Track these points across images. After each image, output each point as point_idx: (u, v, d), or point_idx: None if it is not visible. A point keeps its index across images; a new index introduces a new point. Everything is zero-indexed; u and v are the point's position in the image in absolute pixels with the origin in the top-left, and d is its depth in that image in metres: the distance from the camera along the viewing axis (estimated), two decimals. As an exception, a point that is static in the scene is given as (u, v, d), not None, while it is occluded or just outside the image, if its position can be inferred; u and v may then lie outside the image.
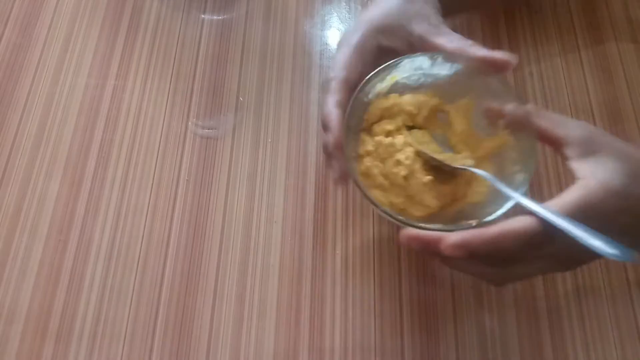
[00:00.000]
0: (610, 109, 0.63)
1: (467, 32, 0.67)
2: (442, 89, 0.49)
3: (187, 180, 0.58)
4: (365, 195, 0.43)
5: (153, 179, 0.58)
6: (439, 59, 0.47)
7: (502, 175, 0.44)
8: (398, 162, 0.46)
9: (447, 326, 0.52)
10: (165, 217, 0.56)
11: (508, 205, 0.41)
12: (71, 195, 0.57)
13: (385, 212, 0.42)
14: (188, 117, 0.61)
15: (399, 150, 0.47)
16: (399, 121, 0.49)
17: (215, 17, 0.67)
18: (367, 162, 0.47)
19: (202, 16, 0.67)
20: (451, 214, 0.46)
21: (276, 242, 0.55)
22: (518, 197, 0.41)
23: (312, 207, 0.57)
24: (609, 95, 0.63)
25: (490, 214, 0.42)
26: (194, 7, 0.67)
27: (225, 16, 0.67)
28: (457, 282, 0.54)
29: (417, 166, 0.46)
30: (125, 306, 0.52)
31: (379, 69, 0.46)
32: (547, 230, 0.38)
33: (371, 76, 0.46)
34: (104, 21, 0.66)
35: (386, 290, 0.53)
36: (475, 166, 0.46)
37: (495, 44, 0.66)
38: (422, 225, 0.42)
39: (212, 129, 0.61)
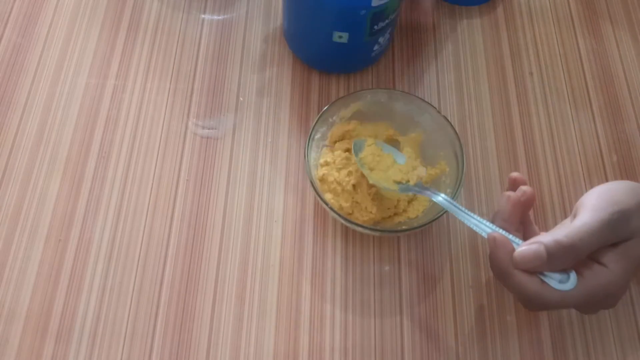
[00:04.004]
0: (610, 109, 0.63)
1: (467, 33, 0.67)
2: (396, 122, 0.58)
3: (187, 180, 0.58)
4: (319, 196, 0.52)
5: (153, 179, 0.58)
6: (395, 95, 0.57)
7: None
8: (350, 173, 0.55)
9: (446, 326, 0.52)
10: (165, 217, 0.56)
11: (440, 214, 0.51)
12: (71, 195, 0.57)
13: (333, 211, 0.51)
14: (188, 117, 0.61)
15: (352, 164, 0.55)
16: (366, 139, 0.57)
17: (215, 17, 0.67)
18: (325, 170, 0.56)
19: (202, 16, 0.67)
20: (391, 224, 0.55)
21: (276, 242, 0.55)
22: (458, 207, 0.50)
23: (312, 207, 0.57)
24: (609, 95, 0.64)
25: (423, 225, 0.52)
26: (194, 7, 0.67)
27: (225, 16, 0.67)
28: (457, 281, 0.54)
29: (365, 179, 0.55)
30: (125, 306, 0.52)
31: (344, 96, 0.56)
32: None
33: (337, 101, 0.56)
34: (104, 21, 0.66)
35: (386, 290, 0.53)
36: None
37: (495, 45, 0.66)
38: (366, 226, 0.53)
39: (212, 129, 0.61)
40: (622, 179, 0.59)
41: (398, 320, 0.52)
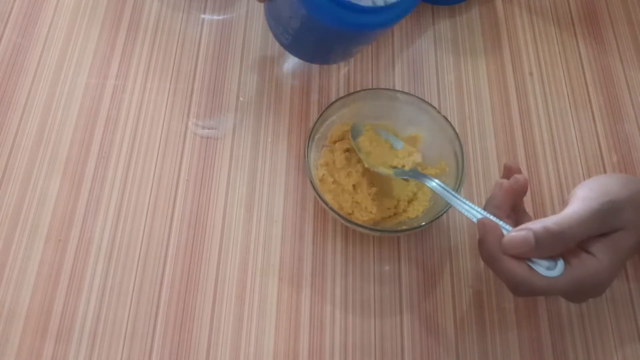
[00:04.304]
0: (610, 109, 0.63)
1: (467, 33, 0.67)
2: (396, 122, 0.58)
3: (187, 180, 0.58)
4: (319, 196, 0.52)
5: (153, 179, 0.58)
6: (395, 95, 0.57)
7: (438, 194, 0.53)
8: (350, 174, 0.55)
9: (446, 326, 0.52)
10: (165, 217, 0.56)
11: (440, 214, 0.51)
12: (71, 195, 0.57)
13: (333, 211, 0.51)
14: (188, 117, 0.61)
15: (352, 164, 0.56)
16: (364, 124, 0.57)
17: (215, 17, 0.67)
18: (325, 170, 0.56)
19: (202, 16, 0.67)
20: (391, 224, 0.55)
21: (276, 242, 0.55)
22: (456, 199, 0.50)
23: (312, 207, 0.57)
24: (609, 95, 0.64)
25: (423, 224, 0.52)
26: (194, 7, 0.67)
27: (225, 16, 0.67)
28: (457, 281, 0.54)
29: (365, 179, 0.55)
30: (125, 306, 0.52)
31: (344, 96, 0.56)
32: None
33: (337, 101, 0.56)
34: (104, 21, 0.66)
35: (386, 290, 0.53)
36: (418, 187, 0.56)
37: (495, 45, 0.66)
38: (366, 226, 0.53)
39: (212, 129, 0.61)
40: (622, 178, 0.59)
41: (398, 320, 0.52)
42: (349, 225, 0.53)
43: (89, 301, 0.52)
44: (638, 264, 0.55)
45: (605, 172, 0.59)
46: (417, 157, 0.55)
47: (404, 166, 0.54)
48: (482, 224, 0.45)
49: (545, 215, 0.57)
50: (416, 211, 0.55)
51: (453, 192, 0.50)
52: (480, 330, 0.52)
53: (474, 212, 0.48)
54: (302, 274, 0.54)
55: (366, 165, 0.55)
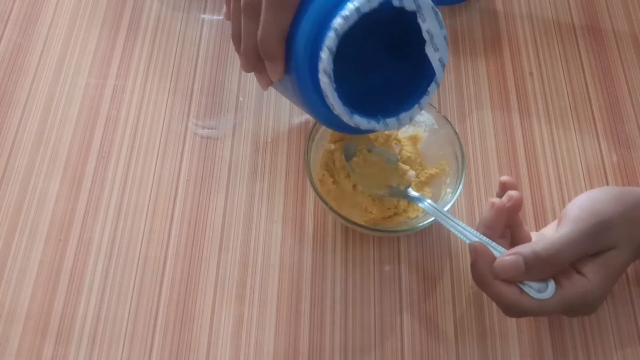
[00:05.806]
0: (610, 109, 0.63)
1: (467, 34, 0.67)
2: None
3: (187, 180, 0.58)
4: (319, 196, 0.52)
5: (153, 179, 0.58)
6: None
7: (438, 195, 0.55)
8: (349, 175, 0.55)
9: (446, 326, 0.52)
10: (165, 217, 0.56)
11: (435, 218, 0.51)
12: (71, 195, 0.57)
13: (333, 211, 0.51)
14: (188, 117, 0.61)
15: None
16: (358, 143, 0.56)
17: (215, 17, 0.67)
18: (324, 170, 0.56)
19: (202, 16, 0.67)
20: (391, 224, 0.55)
21: (276, 242, 0.55)
22: (444, 213, 0.50)
23: (312, 207, 0.57)
24: (609, 95, 0.64)
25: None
26: (194, 7, 0.67)
27: (225, 16, 0.67)
28: (457, 281, 0.54)
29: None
30: (125, 306, 0.52)
31: None
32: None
33: None
34: (104, 21, 0.66)
35: (386, 290, 0.53)
36: (418, 188, 0.56)
37: (495, 45, 0.66)
38: (366, 226, 0.53)
39: (212, 129, 0.61)
40: (622, 179, 0.59)
41: (398, 320, 0.52)
42: (349, 225, 0.53)
43: (89, 301, 0.52)
44: (639, 265, 0.55)
45: (605, 172, 0.59)
46: (411, 176, 0.55)
47: (398, 185, 0.55)
48: (473, 248, 0.46)
49: (545, 217, 0.57)
50: (416, 211, 0.55)
51: (445, 213, 0.50)
52: (480, 330, 0.52)
53: (466, 233, 0.48)
54: (302, 274, 0.54)
55: (360, 188, 0.55)
